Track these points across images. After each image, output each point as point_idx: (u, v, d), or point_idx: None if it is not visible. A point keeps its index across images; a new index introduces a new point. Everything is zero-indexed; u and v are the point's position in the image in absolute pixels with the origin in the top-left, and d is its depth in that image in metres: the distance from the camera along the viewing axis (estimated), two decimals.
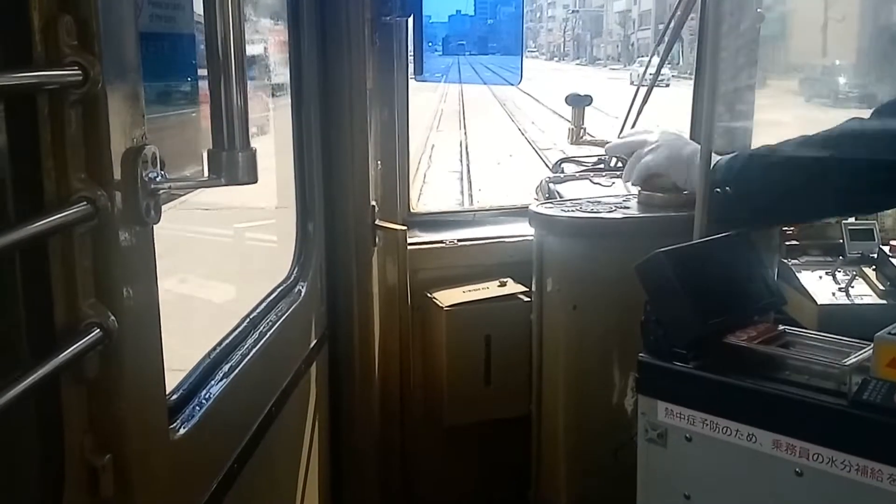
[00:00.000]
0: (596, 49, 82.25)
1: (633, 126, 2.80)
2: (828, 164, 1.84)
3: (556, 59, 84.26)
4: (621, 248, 2.04)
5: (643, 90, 2.78)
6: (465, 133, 21.02)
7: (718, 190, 1.92)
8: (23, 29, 0.86)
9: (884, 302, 2.10)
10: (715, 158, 1.95)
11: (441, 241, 2.63)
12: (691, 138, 2.69)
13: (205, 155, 1.06)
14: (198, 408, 1.30)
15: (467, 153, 17.63)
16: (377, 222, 2.33)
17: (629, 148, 2.33)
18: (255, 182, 1.07)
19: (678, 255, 1.64)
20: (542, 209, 2.28)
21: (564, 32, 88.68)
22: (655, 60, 2.88)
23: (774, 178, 1.95)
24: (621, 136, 2.55)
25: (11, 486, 0.95)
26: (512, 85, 2.98)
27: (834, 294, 2.14)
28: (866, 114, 1.87)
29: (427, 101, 23.92)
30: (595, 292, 2.18)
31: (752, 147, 2.43)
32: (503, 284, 2.57)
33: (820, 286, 2.17)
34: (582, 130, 2.73)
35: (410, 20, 2.43)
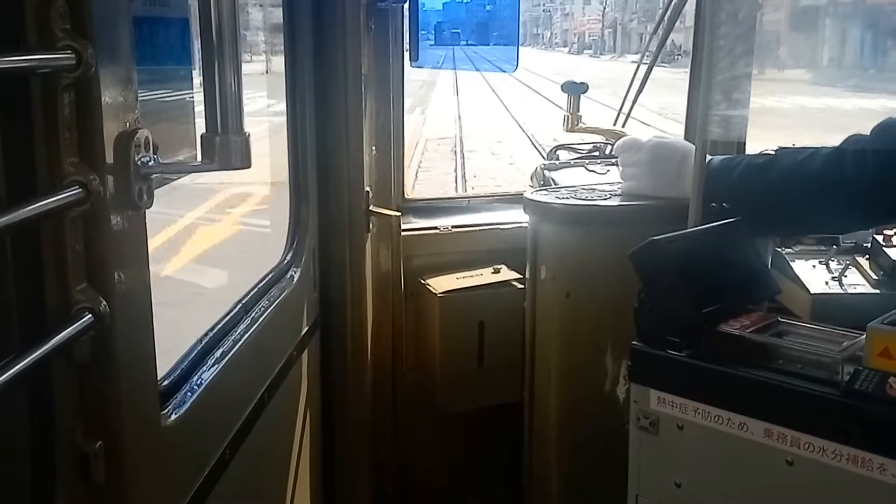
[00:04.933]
0: (644, 39, 59.57)
1: (628, 114, 2.79)
2: (837, 183, 1.81)
3: (587, 51, 66.73)
4: (616, 235, 2.03)
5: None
6: None
7: (715, 205, 1.87)
8: (15, 12, 0.85)
9: (877, 291, 2.09)
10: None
11: (435, 228, 2.62)
12: (686, 127, 2.69)
13: (198, 139, 1.05)
14: (189, 394, 1.29)
15: None
16: (371, 208, 2.32)
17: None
18: (249, 167, 1.06)
19: (673, 243, 1.64)
20: (536, 196, 2.27)
21: (604, 17, 70.98)
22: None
23: (777, 196, 1.89)
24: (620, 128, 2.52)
25: (2, 472, 0.95)
26: (506, 72, 3.00)
27: (827, 283, 2.13)
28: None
29: None
30: (589, 280, 2.18)
31: (746, 142, 2.42)
32: (497, 271, 2.57)
33: (813, 275, 2.17)
34: (577, 118, 2.72)
35: (406, 6, 2.42)
